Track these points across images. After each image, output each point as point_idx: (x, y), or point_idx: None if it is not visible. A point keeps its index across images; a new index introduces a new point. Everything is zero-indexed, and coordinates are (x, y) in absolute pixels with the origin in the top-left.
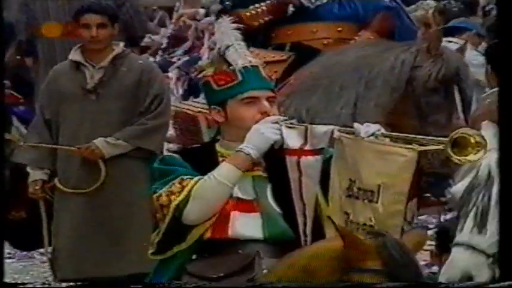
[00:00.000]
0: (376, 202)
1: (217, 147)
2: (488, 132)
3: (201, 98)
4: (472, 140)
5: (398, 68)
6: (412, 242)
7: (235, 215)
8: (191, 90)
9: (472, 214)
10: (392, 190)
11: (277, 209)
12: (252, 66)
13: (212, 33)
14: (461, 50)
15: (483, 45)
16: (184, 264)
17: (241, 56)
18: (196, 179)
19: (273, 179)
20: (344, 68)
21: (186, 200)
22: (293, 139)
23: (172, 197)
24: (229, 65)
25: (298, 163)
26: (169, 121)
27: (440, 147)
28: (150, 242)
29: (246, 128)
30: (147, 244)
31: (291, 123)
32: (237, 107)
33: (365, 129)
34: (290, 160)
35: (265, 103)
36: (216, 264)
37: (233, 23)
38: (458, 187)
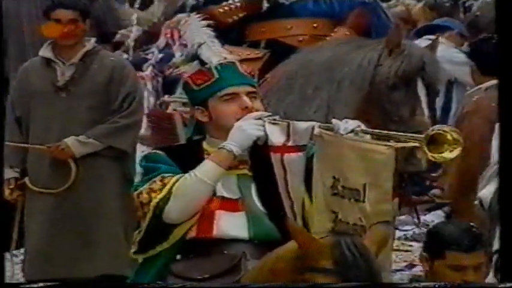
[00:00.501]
0: (363, 201)
1: (204, 144)
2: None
3: (175, 97)
4: (449, 137)
5: (364, 67)
6: (375, 239)
7: (219, 214)
8: (166, 88)
9: None
10: (378, 189)
11: (262, 209)
12: (228, 62)
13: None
14: (432, 46)
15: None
16: (168, 264)
17: (215, 53)
18: (177, 176)
19: (258, 178)
20: (317, 68)
21: (166, 198)
22: (276, 135)
23: (153, 194)
24: (204, 63)
25: (281, 160)
26: (141, 119)
27: (417, 144)
28: (132, 241)
29: (229, 125)
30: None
31: (274, 120)
32: (217, 105)
33: (344, 125)
34: (274, 157)
35: (246, 98)
36: (201, 265)
37: (204, 19)
38: (485, 194)
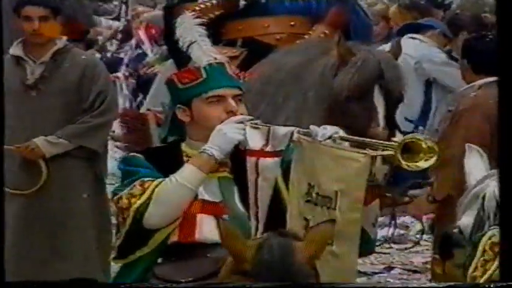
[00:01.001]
0: (334, 209)
1: (183, 146)
2: (473, 159)
3: (149, 97)
4: (424, 145)
5: (326, 76)
6: (314, 239)
7: (201, 218)
8: (141, 88)
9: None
10: (349, 197)
11: (245, 212)
12: (217, 63)
13: (155, 28)
14: (394, 49)
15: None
16: (149, 268)
17: (205, 53)
18: (157, 181)
19: (240, 180)
20: (287, 76)
21: (146, 203)
22: (255, 140)
23: (133, 199)
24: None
25: (256, 164)
26: (113, 119)
27: (392, 152)
28: (104, 245)
29: (212, 127)
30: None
31: (256, 124)
32: (202, 107)
33: (322, 131)
34: (250, 161)
35: (231, 102)
36: (184, 268)
37: (198, 18)
38: (465, 223)
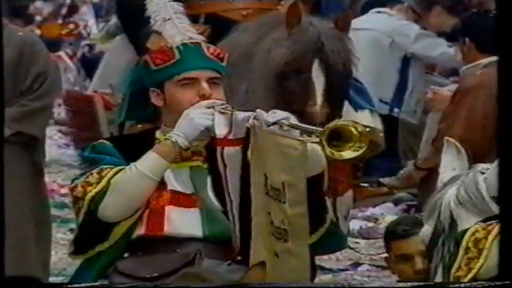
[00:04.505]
0: (284, 202)
1: (157, 134)
2: (449, 156)
3: (96, 78)
4: (354, 132)
5: (272, 54)
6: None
7: (170, 210)
8: (86, 67)
9: (440, 269)
10: (295, 189)
11: (218, 205)
12: (192, 43)
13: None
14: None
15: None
16: (112, 263)
17: (180, 31)
18: (116, 169)
19: (214, 171)
20: (240, 57)
21: (103, 192)
22: (221, 127)
23: (89, 188)
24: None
25: (222, 154)
26: (53, 102)
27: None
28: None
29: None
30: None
31: (224, 108)
32: (174, 89)
33: (268, 116)
34: (218, 150)
35: (204, 85)
36: (150, 263)
37: None
38: (424, 232)
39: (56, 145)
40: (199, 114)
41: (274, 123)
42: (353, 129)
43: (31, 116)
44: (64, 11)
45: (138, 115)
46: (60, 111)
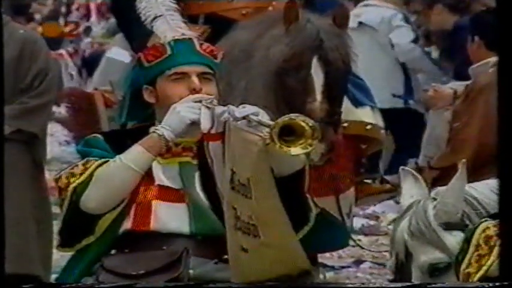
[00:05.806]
0: (251, 198)
1: (151, 130)
2: (407, 184)
3: (96, 75)
4: (306, 127)
5: (271, 52)
6: None
7: (157, 205)
8: (86, 65)
9: None
10: (261, 185)
11: (206, 201)
12: (184, 38)
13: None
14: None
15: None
16: (99, 259)
17: (172, 27)
18: (101, 161)
19: (203, 167)
20: (239, 54)
21: (85, 183)
22: (205, 121)
23: (72, 179)
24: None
25: (208, 148)
26: (54, 100)
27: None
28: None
29: None
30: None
31: (210, 103)
32: (165, 85)
33: (237, 111)
34: (204, 145)
35: (195, 79)
36: (136, 260)
37: None
38: (389, 264)
39: (57, 142)
40: (186, 108)
41: (243, 118)
42: (304, 125)
43: (31, 113)
44: (65, 9)
45: (139, 115)
46: (60, 110)
